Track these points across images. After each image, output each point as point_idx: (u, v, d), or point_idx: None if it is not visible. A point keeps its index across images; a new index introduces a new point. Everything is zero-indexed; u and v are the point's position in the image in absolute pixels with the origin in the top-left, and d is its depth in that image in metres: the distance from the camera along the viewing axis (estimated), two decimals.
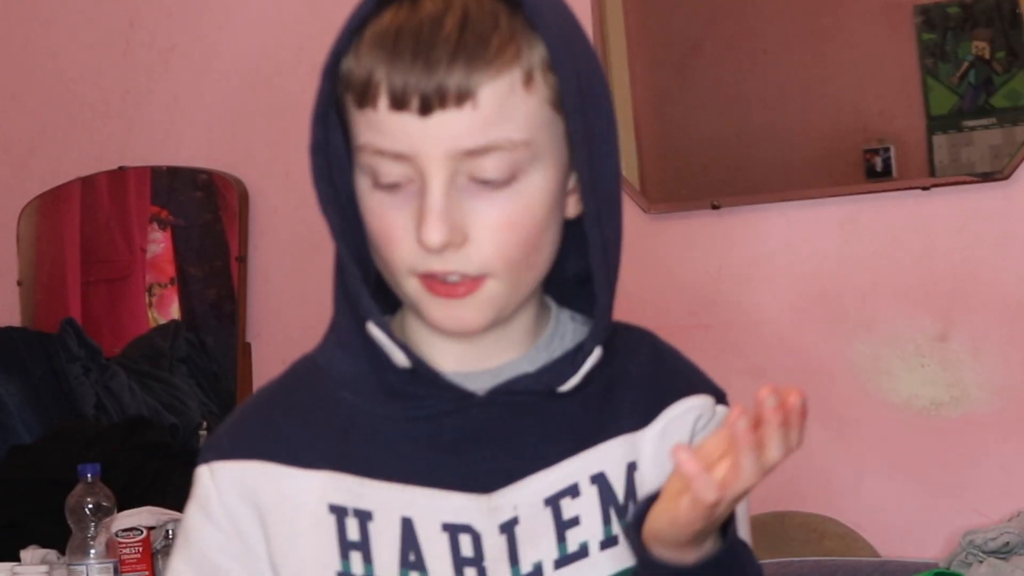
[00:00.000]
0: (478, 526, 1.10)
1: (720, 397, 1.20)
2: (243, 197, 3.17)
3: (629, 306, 3.31)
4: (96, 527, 2.30)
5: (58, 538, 2.39)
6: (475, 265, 1.06)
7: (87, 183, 3.31)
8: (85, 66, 3.28)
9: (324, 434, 1.12)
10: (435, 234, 1.03)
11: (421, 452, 1.11)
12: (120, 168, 3.29)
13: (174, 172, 3.27)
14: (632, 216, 2.87)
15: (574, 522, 1.11)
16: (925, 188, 2.70)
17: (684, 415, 1.15)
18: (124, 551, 2.29)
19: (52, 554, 2.41)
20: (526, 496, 1.11)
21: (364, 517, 1.11)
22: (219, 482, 1.13)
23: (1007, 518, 2.43)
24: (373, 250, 1.09)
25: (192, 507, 1.15)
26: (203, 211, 3.24)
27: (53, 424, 2.98)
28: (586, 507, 1.12)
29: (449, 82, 1.02)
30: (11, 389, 3.04)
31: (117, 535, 2.29)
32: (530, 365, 1.12)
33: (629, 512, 1.12)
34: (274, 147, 3.13)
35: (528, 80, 1.05)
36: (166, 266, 3.30)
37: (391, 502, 1.10)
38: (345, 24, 1.09)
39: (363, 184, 1.08)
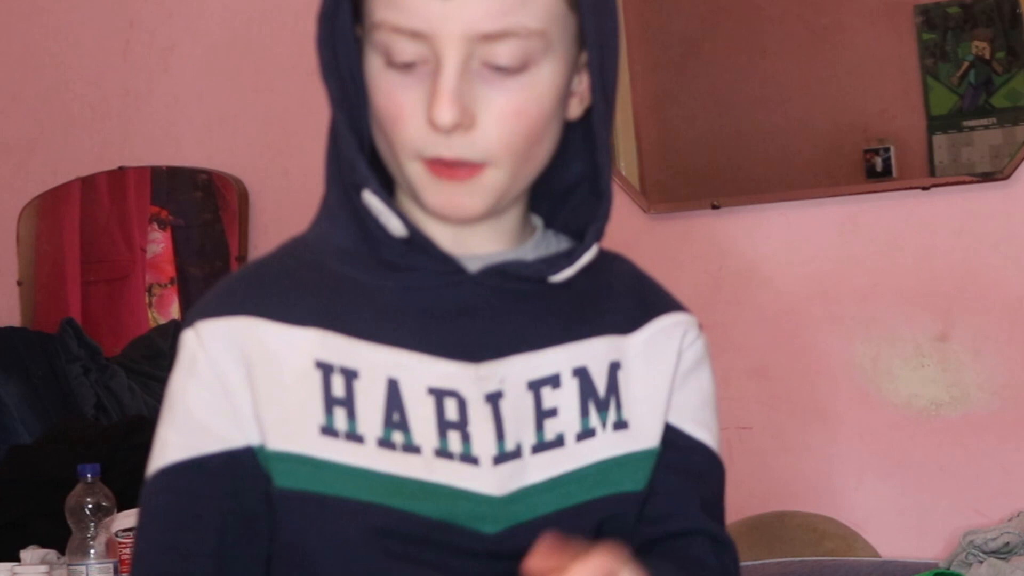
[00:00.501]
0: (465, 392, 1.12)
1: (698, 324, 1.24)
2: (243, 197, 3.17)
3: None
4: (96, 527, 2.30)
5: (58, 538, 2.39)
6: (480, 151, 1.08)
7: (87, 183, 3.31)
8: (85, 66, 3.28)
9: (315, 295, 1.13)
10: (446, 114, 1.05)
11: (411, 319, 1.12)
12: (120, 168, 3.29)
13: (174, 172, 3.27)
14: (632, 216, 2.87)
15: (552, 412, 1.14)
16: (925, 188, 2.70)
17: (672, 328, 1.20)
18: (124, 551, 2.29)
19: (52, 554, 2.41)
20: (511, 373, 1.13)
21: (350, 375, 1.11)
22: (204, 340, 1.12)
23: (1007, 518, 2.43)
24: (378, 130, 1.11)
25: (176, 372, 1.15)
26: (203, 211, 3.24)
27: (53, 424, 2.98)
28: (565, 399, 1.14)
29: None
30: (11, 389, 3.04)
31: (117, 535, 2.29)
32: (521, 257, 1.15)
33: (611, 404, 1.16)
34: (274, 147, 3.13)
35: None
36: (166, 266, 3.30)
37: (378, 363, 1.11)
38: None
39: (375, 63, 1.09)
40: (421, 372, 1.11)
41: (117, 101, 3.28)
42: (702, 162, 2.91)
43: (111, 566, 2.28)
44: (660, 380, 1.18)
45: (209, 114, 3.20)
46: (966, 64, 2.73)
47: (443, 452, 1.11)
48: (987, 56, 2.71)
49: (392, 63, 1.08)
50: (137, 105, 3.26)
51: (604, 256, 1.20)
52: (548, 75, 1.09)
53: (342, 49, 1.11)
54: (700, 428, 1.19)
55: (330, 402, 1.11)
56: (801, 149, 2.84)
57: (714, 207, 2.82)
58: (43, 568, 2.36)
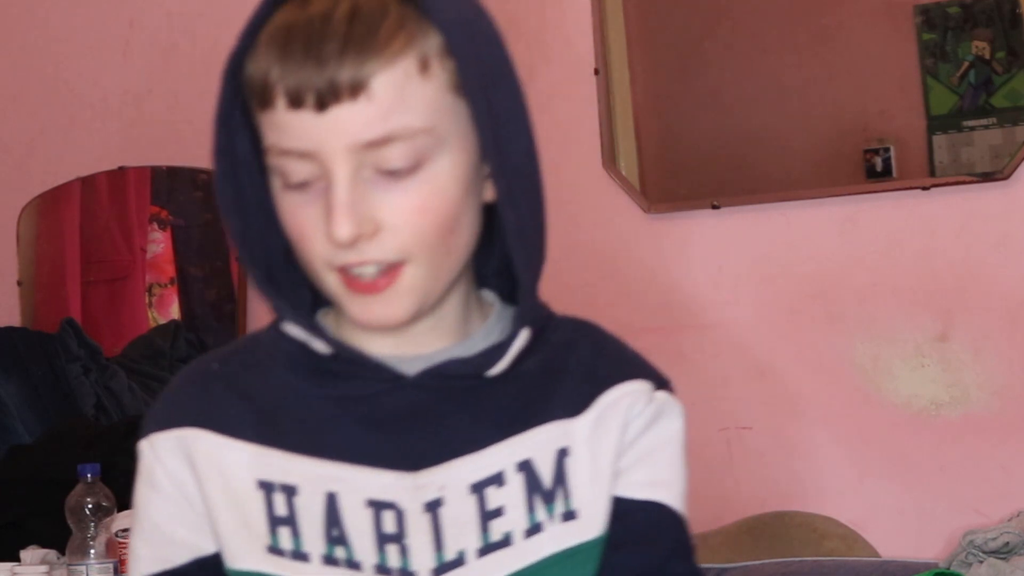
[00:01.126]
0: (402, 503, 1.11)
1: (661, 384, 1.20)
2: None
3: (630, 306, 3.33)
4: (96, 527, 2.30)
5: (58, 538, 2.39)
6: (391, 251, 1.06)
7: (87, 183, 3.31)
8: (85, 66, 3.28)
9: (255, 406, 1.13)
10: (343, 228, 1.04)
11: (350, 429, 1.12)
12: (120, 168, 3.29)
13: (174, 172, 3.27)
14: (632, 216, 2.87)
15: (497, 512, 1.12)
16: (925, 188, 2.70)
17: (618, 401, 1.15)
18: (124, 551, 2.29)
19: (52, 554, 2.41)
20: (452, 479, 1.11)
21: (290, 492, 1.12)
22: (158, 452, 1.14)
23: (1007, 518, 2.43)
24: (293, 248, 1.10)
25: (138, 485, 1.17)
26: (203, 211, 3.24)
27: (53, 424, 2.98)
28: (511, 497, 1.12)
29: (341, 75, 1.03)
30: (11, 389, 3.04)
31: (117, 535, 2.29)
32: (464, 352, 1.13)
33: (558, 495, 1.12)
34: None
35: (424, 66, 1.05)
36: (166, 266, 3.30)
37: (316, 477, 1.11)
38: (244, 27, 1.10)
39: (276, 185, 1.08)
40: (359, 484, 1.11)
41: (117, 101, 3.28)
42: (702, 162, 2.91)
43: (111, 566, 2.28)
44: (604, 460, 1.14)
45: (209, 114, 3.20)
46: (966, 64, 2.73)
47: (382, 567, 1.10)
48: (987, 56, 2.71)
49: (289, 184, 1.07)
50: (137, 105, 3.26)
51: (560, 326, 1.19)
52: (446, 167, 1.06)
53: (247, 179, 1.11)
54: (649, 488, 1.15)
55: (274, 522, 1.12)
56: (801, 149, 2.84)
57: (714, 207, 2.82)
58: (43, 568, 2.36)
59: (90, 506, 2.31)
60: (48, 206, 3.34)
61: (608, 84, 2.90)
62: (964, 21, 2.73)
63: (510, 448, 1.12)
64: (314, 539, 1.11)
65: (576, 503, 1.13)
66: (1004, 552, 2.31)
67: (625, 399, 1.15)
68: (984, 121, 2.71)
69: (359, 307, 1.08)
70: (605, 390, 1.15)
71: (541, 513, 1.12)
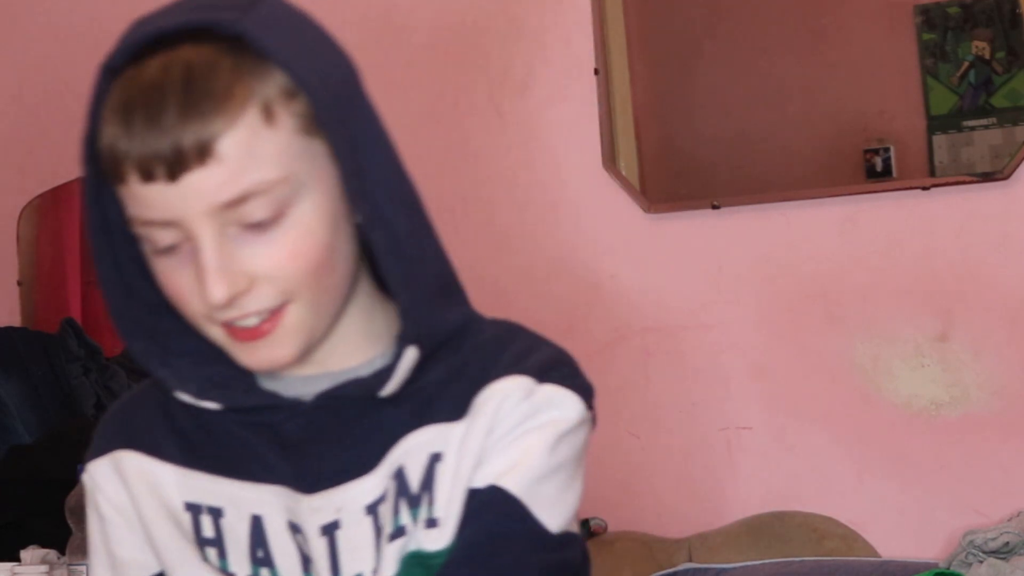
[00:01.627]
0: (305, 527, 1.12)
1: (548, 377, 1.13)
2: None
3: (629, 306, 3.32)
4: None
5: (58, 538, 2.39)
6: (270, 298, 1.06)
7: None
8: (85, 66, 3.28)
9: (178, 430, 1.16)
10: (216, 292, 1.04)
11: (263, 452, 1.13)
12: None
13: None
14: (632, 216, 2.87)
15: (383, 527, 1.12)
16: (925, 188, 2.70)
17: (487, 400, 1.12)
18: None
19: (52, 554, 2.41)
20: (348, 500, 1.11)
21: (216, 514, 1.14)
22: (97, 479, 1.18)
23: (1007, 518, 2.43)
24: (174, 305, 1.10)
25: (88, 514, 1.19)
26: None
27: (53, 424, 2.98)
28: (386, 506, 1.12)
29: (185, 142, 1.01)
30: (11, 389, 3.04)
31: None
32: (363, 372, 1.13)
33: (423, 501, 1.11)
34: None
35: (269, 115, 1.03)
36: None
37: (240, 500, 1.13)
38: (88, 104, 1.10)
39: (147, 250, 1.08)
40: (279, 506, 1.12)
41: None
42: (702, 162, 2.91)
43: None
44: (467, 464, 1.11)
45: None
46: (966, 64, 2.73)
47: None
48: (987, 56, 2.71)
49: (157, 250, 1.07)
50: None
51: (481, 332, 1.16)
52: (310, 210, 1.05)
53: (122, 253, 1.11)
54: (492, 476, 1.10)
55: (202, 542, 1.14)
56: (801, 149, 2.84)
57: (714, 207, 2.82)
58: (43, 568, 2.36)
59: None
60: (48, 206, 3.34)
61: (608, 84, 2.90)
62: (964, 21, 2.73)
63: (391, 460, 1.12)
64: (240, 560, 1.13)
65: (439, 511, 1.11)
66: (1004, 552, 2.31)
67: (495, 397, 1.12)
68: (984, 121, 2.71)
69: (246, 354, 1.08)
70: (479, 390, 1.12)
71: (405, 517, 1.11)
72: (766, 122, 2.86)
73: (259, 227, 1.04)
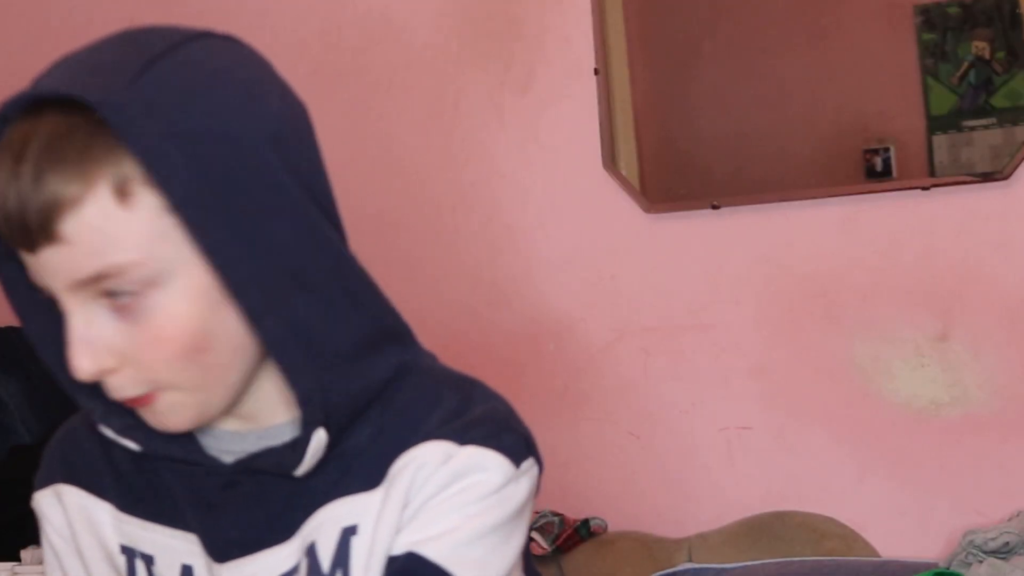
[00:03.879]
0: None
1: (466, 438, 1.07)
2: None
3: (629, 306, 3.32)
4: None
5: None
6: (137, 386, 1.03)
7: None
8: None
9: (115, 470, 1.15)
10: (81, 368, 1.01)
11: (189, 504, 1.11)
12: None
13: None
14: (632, 216, 2.87)
15: None
16: (925, 188, 2.70)
17: (403, 468, 1.07)
18: None
19: None
20: (259, 571, 1.09)
21: (148, 561, 1.13)
22: (44, 509, 1.20)
23: (1007, 518, 2.43)
24: None
25: (42, 542, 1.21)
26: None
27: (53, 424, 2.98)
28: None
29: (31, 224, 0.97)
30: (11, 389, 3.04)
31: None
32: (293, 431, 1.09)
33: None
34: None
35: (124, 195, 0.98)
36: None
37: (171, 548, 1.12)
38: None
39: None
40: (206, 559, 1.11)
41: None
42: (702, 162, 2.91)
43: None
44: (383, 535, 1.07)
45: None
46: (966, 64, 2.73)
47: None
48: (987, 56, 2.71)
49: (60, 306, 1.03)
50: None
51: (403, 382, 1.10)
52: (177, 292, 1.00)
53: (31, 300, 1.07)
54: (411, 545, 1.06)
55: None
56: (801, 149, 2.84)
57: (714, 207, 2.82)
58: (43, 568, 2.36)
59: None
60: None
61: (608, 84, 2.90)
62: (964, 21, 2.73)
63: (304, 533, 1.08)
64: None
65: None
66: (1004, 552, 2.31)
67: (411, 466, 1.07)
68: (984, 121, 2.71)
69: (142, 415, 1.06)
70: (396, 457, 1.07)
71: None
72: (766, 122, 2.86)
73: (123, 308, 1.00)
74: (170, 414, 1.04)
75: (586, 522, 2.70)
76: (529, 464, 1.09)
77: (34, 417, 3.04)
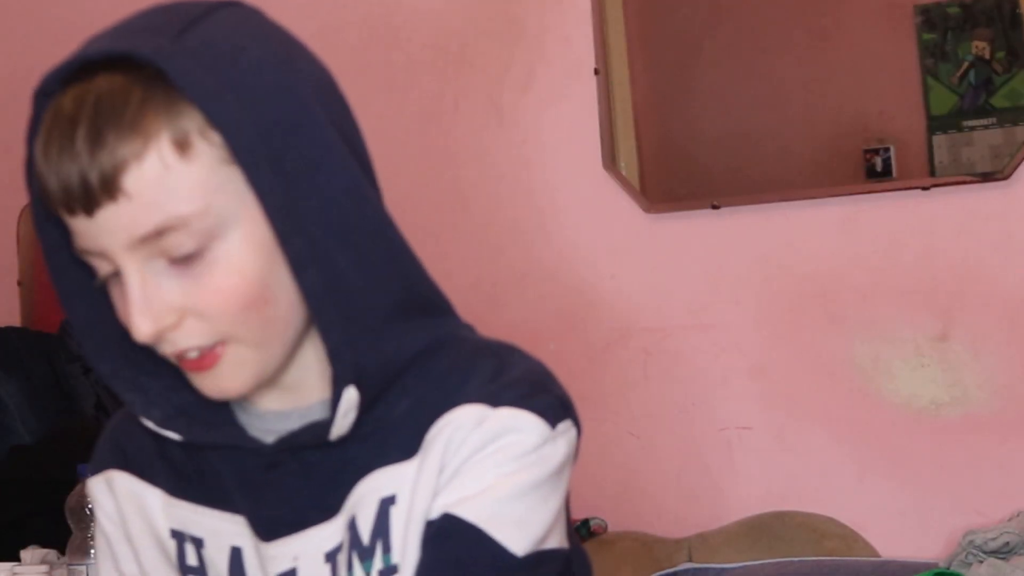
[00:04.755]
0: (266, 571, 1.11)
1: (503, 401, 1.07)
2: None
3: (629, 306, 3.32)
4: (96, 527, 2.29)
5: (58, 538, 2.39)
6: (201, 337, 1.03)
7: None
8: None
9: (166, 456, 1.15)
10: (141, 328, 1.01)
11: (236, 486, 1.11)
12: None
13: None
14: (632, 216, 2.87)
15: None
16: (925, 188, 2.70)
17: (438, 434, 1.07)
18: None
19: (52, 554, 2.41)
20: (306, 548, 1.09)
21: (199, 544, 1.13)
22: (96, 496, 1.19)
23: (1007, 518, 2.43)
24: None
25: (96, 534, 1.20)
26: None
27: (53, 424, 2.98)
28: (343, 558, 1.09)
29: (91, 179, 0.98)
30: (11, 389, 3.04)
31: None
32: (324, 413, 1.09)
33: (377, 549, 1.07)
34: None
35: (183, 148, 0.99)
36: None
37: (220, 531, 1.12)
38: (27, 132, 1.07)
39: (99, 277, 1.06)
40: (254, 539, 1.11)
41: None
42: (702, 162, 2.91)
43: None
44: (421, 502, 1.06)
45: None
46: (966, 64, 2.73)
47: None
48: (987, 56, 2.71)
49: (102, 277, 1.04)
50: None
51: (440, 352, 1.10)
52: (237, 243, 1.01)
53: (82, 272, 1.08)
54: (448, 506, 1.05)
55: (185, 570, 1.14)
56: (801, 149, 2.84)
57: (714, 207, 2.82)
58: (43, 568, 2.36)
59: (90, 506, 2.31)
60: None
61: (608, 84, 2.90)
62: (964, 21, 2.73)
63: (349, 506, 1.09)
64: None
65: (397, 556, 1.07)
66: (1004, 552, 2.31)
67: (445, 431, 1.06)
68: (984, 121, 2.71)
69: (197, 382, 1.06)
70: (431, 424, 1.07)
71: (358, 571, 1.08)
72: (766, 122, 2.86)
73: (184, 261, 1.00)
74: (232, 374, 1.04)
75: (586, 522, 2.70)
76: (566, 426, 1.09)
77: (34, 417, 3.04)
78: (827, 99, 2.83)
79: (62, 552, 2.38)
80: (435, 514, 1.05)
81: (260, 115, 1.00)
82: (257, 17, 1.09)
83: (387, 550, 1.07)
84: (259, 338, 1.04)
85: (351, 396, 1.05)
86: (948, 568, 2.31)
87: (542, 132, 2.95)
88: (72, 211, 1.00)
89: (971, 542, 2.32)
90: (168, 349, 1.04)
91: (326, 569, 1.09)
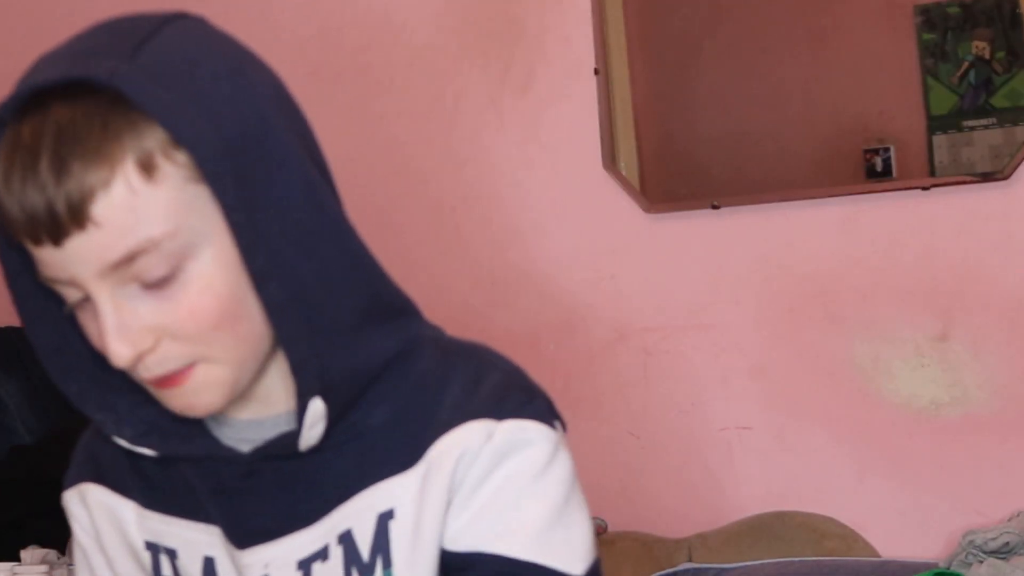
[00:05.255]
0: None
1: (506, 413, 1.08)
2: None
3: (630, 306, 3.32)
4: None
5: (58, 538, 2.39)
6: (177, 359, 1.02)
7: None
8: None
9: (137, 468, 1.15)
10: (120, 354, 1.00)
11: (205, 497, 1.11)
12: None
13: None
14: (632, 216, 2.87)
15: None
16: (925, 188, 2.70)
17: (446, 452, 1.07)
18: None
19: (52, 554, 2.41)
20: (278, 556, 1.09)
21: (172, 555, 1.13)
22: (71, 508, 1.19)
23: (1007, 518, 2.43)
24: None
25: (73, 545, 1.22)
26: None
27: (53, 424, 2.98)
28: (332, 571, 1.09)
29: (59, 209, 0.96)
30: (11, 389, 3.04)
31: None
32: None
33: (377, 565, 1.07)
34: None
35: (148, 170, 0.97)
36: None
37: (192, 541, 1.12)
38: None
39: (68, 304, 1.04)
40: (227, 549, 1.11)
41: None
42: (702, 162, 2.91)
43: None
44: (429, 520, 1.07)
45: None
46: (966, 64, 2.73)
47: None
48: (987, 56, 2.71)
49: (70, 304, 1.03)
50: None
51: (425, 363, 1.10)
52: (209, 262, 1.00)
53: (43, 294, 1.06)
54: (502, 540, 1.06)
55: None
56: (801, 149, 2.84)
57: (714, 207, 2.82)
58: (43, 568, 2.36)
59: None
60: None
61: (608, 84, 2.90)
62: (964, 21, 2.73)
63: (336, 519, 1.08)
64: None
65: (397, 571, 1.07)
66: (1004, 552, 2.31)
67: (454, 450, 1.06)
68: (984, 121, 2.71)
69: (168, 400, 1.05)
70: (435, 440, 1.07)
71: None
72: (766, 122, 2.86)
73: (157, 284, 0.99)
74: (204, 391, 1.03)
75: None
76: (559, 425, 1.11)
77: (34, 417, 3.04)
78: (827, 99, 2.83)
79: (62, 552, 2.38)
80: (468, 548, 1.06)
81: (222, 128, 0.99)
82: (205, 28, 1.07)
83: (387, 565, 1.07)
84: (232, 356, 1.03)
85: (317, 408, 1.04)
86: (948, 568, 2.31)
87: (542, 132, 2.95)
88: (38, 241, 0.98)
89: (971, 542, 2.32)
90: (144, 375, 1.03)
91: None
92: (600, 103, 2.89)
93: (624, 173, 2.89)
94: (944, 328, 2.67)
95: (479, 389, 1.08)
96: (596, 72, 2.90)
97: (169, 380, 1.03)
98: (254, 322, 1.03)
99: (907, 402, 2.69)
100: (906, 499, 2.67)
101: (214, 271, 1.00)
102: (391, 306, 1.10)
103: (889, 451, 2.69)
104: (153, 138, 0.98)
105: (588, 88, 2.90)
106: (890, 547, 2.61)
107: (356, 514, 1.08)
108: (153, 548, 1.14)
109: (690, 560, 2.63)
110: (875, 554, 2.57)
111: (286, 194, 1.01)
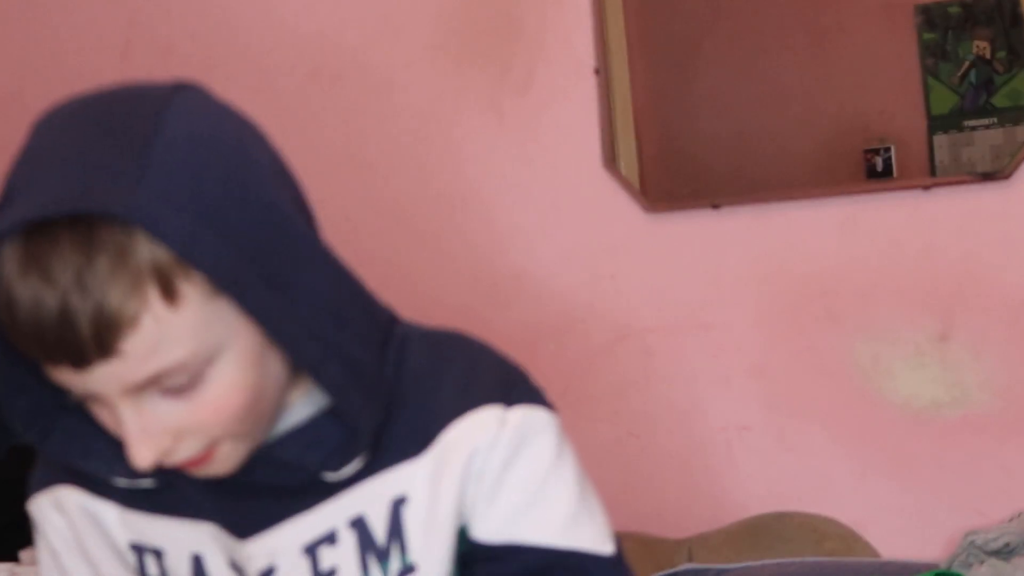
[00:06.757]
0: (245, 570, 1.11)
1: (513, 398, 1.10)
2: None
3: (629, 306, 3.31)
4: None
5: None
6: (197, 448, 1.02)
7: None
8: (85, 66, 3.28)
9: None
10: (144, 458, 1.00)
11: (200, 491, 1.11)
12: None
13: None
14: (632, 216, 2.87)
15: (332, 573, 1.10)
16: (925, 188, 2.70)
17: (460, 439, 1.08)
18: None
19: None
20: (282, 543, 1.09)
21: (158, 554, 1.13)
22: (43, 511, 1.20)
23: (1008, 519, 2.43)
24: None
25: (37, 547, 1.21)
26: None
27: None
28: (344, 556, 1.09)
29: (86, 346, 0.94)
30: None
31: None
32: (305, 408, 1.09)
33: (392, 550, 1.08)
34: None
35: (171, 296, 0.95)
36: None
37: (179, 539, 1.12)
38: None
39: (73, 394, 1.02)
40: (218, 544, 1.11)
41: None
42: (702, 162, 2.91)
43: None
44: (445, 506, 1.08)
45: None
46: (967, 64, 2.72)
47: None
48: (988, 56, 2.71)
49: (88, 402, 1.02)
50: None
51: (417, 351, 1.11)
52: (231, 365, 0.99)
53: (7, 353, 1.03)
54: (536, 530, 1.10)
55: None
56: (801, 149, 2.84)
57: (714, 207, 2.82)
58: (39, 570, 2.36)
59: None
60: None
61: (608, 84, 2.90)
62: (965, 21, 2.73)
63: (342, 504, 1.09)
64: None
65: (414, 555, 1.09)
66: (1005, 553, 2.31)
67: (466, 437, 1.08)
68: (985, 121, 2.71)
69: (194, 472, 1.05)
70: (446, 426, 1.08)
71: (375, 572, 1.09)
72: (766, 122, 2.86)
73: (179, 392, 0.99)
74: (224, 462, 1.04)
75: None
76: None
77: None
78: (827, 99, 2.83)
79: None
80: (503, 540, 1.09)
81: (237, 235, 0.96)
82: (203, 107, 1.02)
83: (403, 550, 1.09)
84: (252, 431, 1.04)
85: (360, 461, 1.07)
86: (949, 569, 2.30)
87: (542, 132, 2.95)
88: (56, 364, 0.97)
89: (972, 543, 2.32)
90: (165, 463, 1.03)
91: (304, 562, 1.09)
92: (600, 103, 2.89)
93: (624, 173, 2.89)
94: (944, 328, 2.67)
95: (478, 375, 1.10)
96: (596, 72, 2.90)
97: (190, 463, 1.04)
98: (272, 394, 1.04)
99: (907, 402, 2.69)
100: (906, 499, 2.67)
101: (236, 371, 1.00)
102: (383, 323, 1.11)
103: (889, 451, 2.69)
104: (167, 258, 0.95)
105: (588, 88, 2.90)
106: (890, 547, 2.61)
107: (369, 500, 1.08)
108: (138, 549, 1.14)
109: (691, 560, 2.62)
110: (875, 554, 2.57)
111: (313, 280, 1.01)
